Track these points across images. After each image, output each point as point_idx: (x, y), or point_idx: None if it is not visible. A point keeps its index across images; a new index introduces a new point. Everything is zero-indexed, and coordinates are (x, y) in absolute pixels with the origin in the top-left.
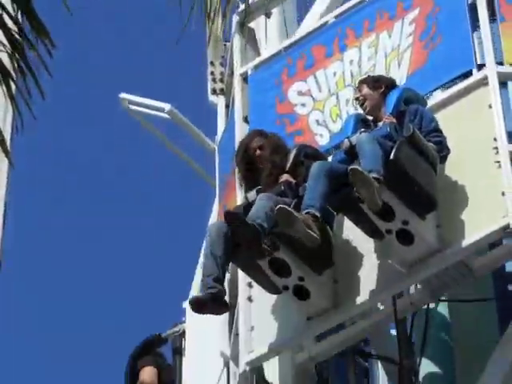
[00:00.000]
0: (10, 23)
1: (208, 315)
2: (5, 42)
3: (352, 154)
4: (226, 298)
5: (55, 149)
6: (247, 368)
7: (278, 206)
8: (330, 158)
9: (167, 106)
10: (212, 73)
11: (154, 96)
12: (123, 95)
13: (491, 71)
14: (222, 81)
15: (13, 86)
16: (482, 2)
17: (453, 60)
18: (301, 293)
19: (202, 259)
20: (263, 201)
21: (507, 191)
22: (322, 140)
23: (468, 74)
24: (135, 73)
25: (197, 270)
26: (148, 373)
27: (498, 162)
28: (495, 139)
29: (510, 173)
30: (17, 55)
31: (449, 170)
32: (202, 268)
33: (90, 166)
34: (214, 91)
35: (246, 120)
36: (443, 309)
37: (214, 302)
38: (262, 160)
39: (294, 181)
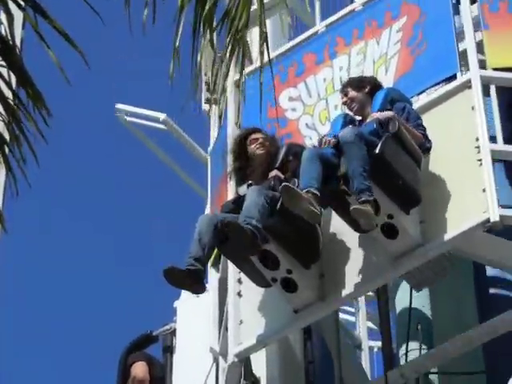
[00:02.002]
0: (6, 91)
1: (197, 313)
2: (1, 110)
3: (339, 148)
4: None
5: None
6: (236, 359)
7: (282, 184)
8: None
9: (162, 116)
10: (206, 82)
11: (149, 106)
12: (119, 106)
13: (475, 75)
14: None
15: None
16: (466, 9)
17: (438, 64)
18: (288, 285)
19: None
20: (254, 195)
21: (487, 188)
22: (311, 142)
23: (452, 78)
24: (131, 81)
25: None
26: (140, 367)
27: (480, 160)
28: (477, 139)
29: (491, 170)
30: (13, 124)
31: (433, 167)
32: (188, 252)
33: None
34: (207, 100)
35: (238, 125)
36: None
37: (190, 278)
38: (258, 145)
39: (283, 176)
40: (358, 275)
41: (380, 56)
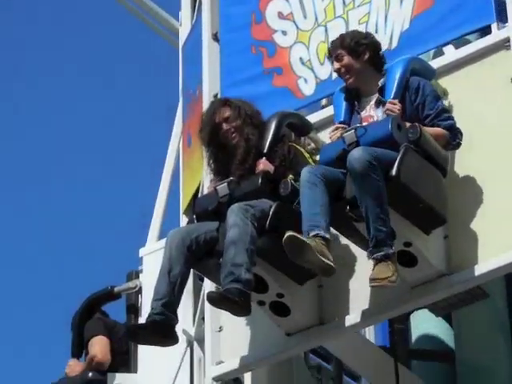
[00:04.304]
0: None
1: None
2: None
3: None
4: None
5: None
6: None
7: (286, 235)
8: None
9: None
10: None
11: None
12: None
13: None
14: None
15: None
16: None
17: (467, 7)
18: (279, 309)
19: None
20: (240, 224)
21: None
22: (307, 87)
23: (486, 29)
24: None
25: (155, 213)
26: (99, 345)
27: None
28: None
29: None
30: None
31: (462, 163)
32: (154, 288)
33: None
34: None
35: (215, 37)
36: None
37: (158, 332)
38: (231, 134)
39: (272, 168)
40: (366, 300)
41: None
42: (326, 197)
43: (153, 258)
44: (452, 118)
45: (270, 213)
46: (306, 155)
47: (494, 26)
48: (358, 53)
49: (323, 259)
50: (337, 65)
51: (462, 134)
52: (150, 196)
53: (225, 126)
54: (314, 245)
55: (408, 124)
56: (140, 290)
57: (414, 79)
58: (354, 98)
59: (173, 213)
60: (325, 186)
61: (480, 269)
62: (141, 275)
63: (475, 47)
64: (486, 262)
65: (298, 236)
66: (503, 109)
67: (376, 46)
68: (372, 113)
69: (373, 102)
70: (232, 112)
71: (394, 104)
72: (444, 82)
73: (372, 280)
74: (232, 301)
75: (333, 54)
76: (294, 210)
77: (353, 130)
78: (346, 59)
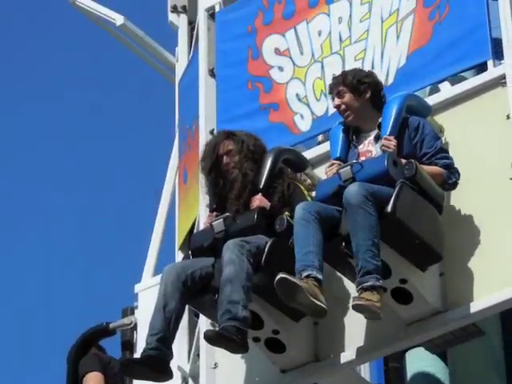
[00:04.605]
0: None
1: None
2: None
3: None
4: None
5: None
6: None
7: (278, 277)
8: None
9: (120, 19)
10: None
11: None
12: None
13: (511, 69)
14: None
15: None
16: None
17: (463, 44)
18: (274, 345)
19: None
20: (235, 261)
21: None
22: (303, 124)
23: (482, 66)
24: None
25: (150, 249)
26: (93, 381)
27: None
28: None
29: None
30: None
31: (456, 199)
32: (149, 324)
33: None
34: (174, 8)
35: (211, 73)
36: None
37: (152, 367)
38: (231, 168)
39: (268, 204)
40: (362, 337)
41: (390, 13)
42: (319, 234)
43: (148, 294)
44: (450, 158)
45: (265, 250)
46: (306, 192)
47: (489, 63)
48: (359, 91)
49: (315, 301)
50: (337, 101)
51: (459, 174)
52: (145, 232)
53: (225, 159)
54: (305, 286)
55: (404, 161)
56: (135, 327)
57: (413, 118)
58: (352, 133)
59: (168, 249)
60: (318, 223)
61: (475, 306)
62: (136, 311)
63: (471, 84)
64: (482, 300)
65: (290, 278)
66: (499, 146)
67: (377, 85)
68: (370, 148)
69: (371, 138)
70: (235, 146)
71: (390, 140)
72: (440, 119)
73: (355, 298)
74: (229, 339)
75: (334, 91)
76: (290, 246)
77: (349, 166)
78: (347, 97)
